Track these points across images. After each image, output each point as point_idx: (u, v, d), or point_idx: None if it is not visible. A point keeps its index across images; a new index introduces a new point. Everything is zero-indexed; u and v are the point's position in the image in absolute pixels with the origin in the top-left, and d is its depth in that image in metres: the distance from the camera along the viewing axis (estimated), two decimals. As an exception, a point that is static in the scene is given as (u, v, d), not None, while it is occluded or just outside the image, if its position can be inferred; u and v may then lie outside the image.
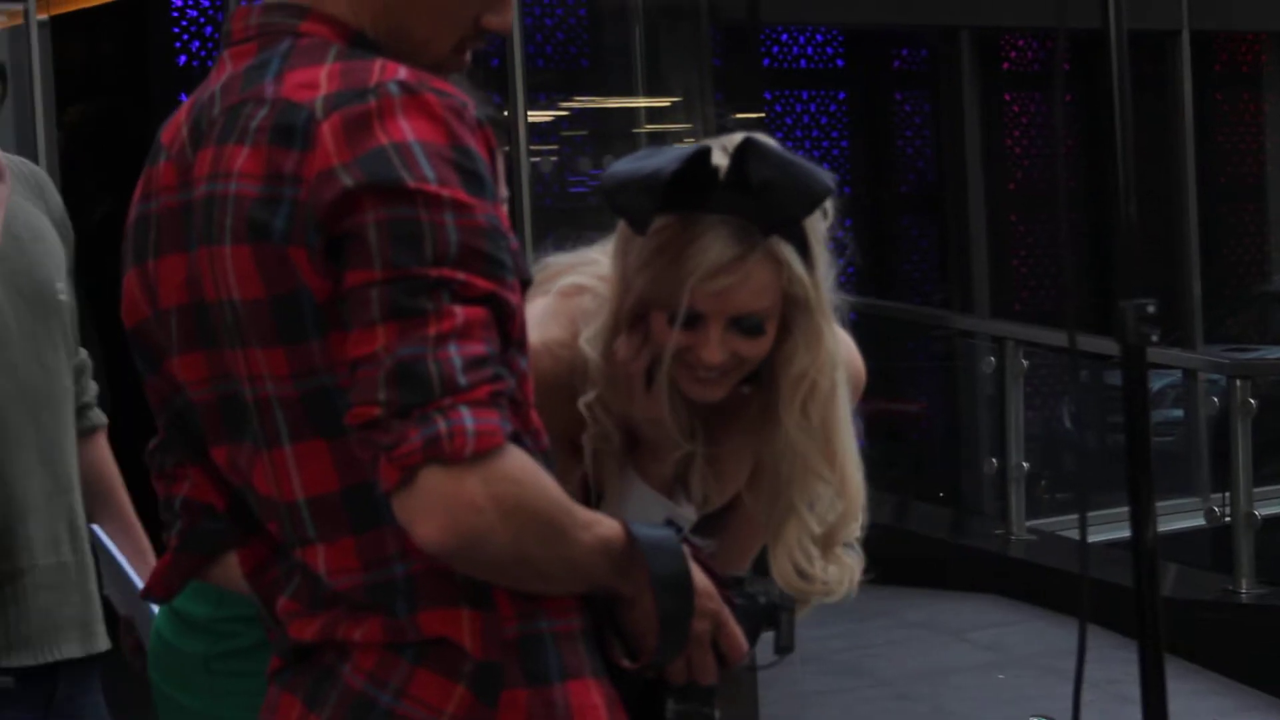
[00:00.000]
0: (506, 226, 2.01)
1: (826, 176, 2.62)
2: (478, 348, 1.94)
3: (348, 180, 1.94)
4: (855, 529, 2.76)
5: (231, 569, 2.27)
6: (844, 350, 2.80)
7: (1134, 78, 2.83)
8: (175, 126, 2.16)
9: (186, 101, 2.18)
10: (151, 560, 3.10)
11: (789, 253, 2.63)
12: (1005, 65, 12.59)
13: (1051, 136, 12.18)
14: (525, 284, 2.04)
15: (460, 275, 1.94)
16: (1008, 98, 12.52)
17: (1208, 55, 12.77)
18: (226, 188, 2.03)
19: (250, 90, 2.06)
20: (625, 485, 2.77)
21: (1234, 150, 13.32)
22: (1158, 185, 11.78)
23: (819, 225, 2.70)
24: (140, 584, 2.97)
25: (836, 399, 2.74)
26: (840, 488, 2.75)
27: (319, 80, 2.02)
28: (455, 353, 1.92)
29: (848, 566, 2.78)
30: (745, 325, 2.65)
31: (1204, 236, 12.37)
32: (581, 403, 2.73)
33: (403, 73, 2.00)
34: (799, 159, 2.64)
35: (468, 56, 2.20)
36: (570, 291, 2.78)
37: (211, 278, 2.05)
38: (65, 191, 7.58)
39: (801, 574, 2.77)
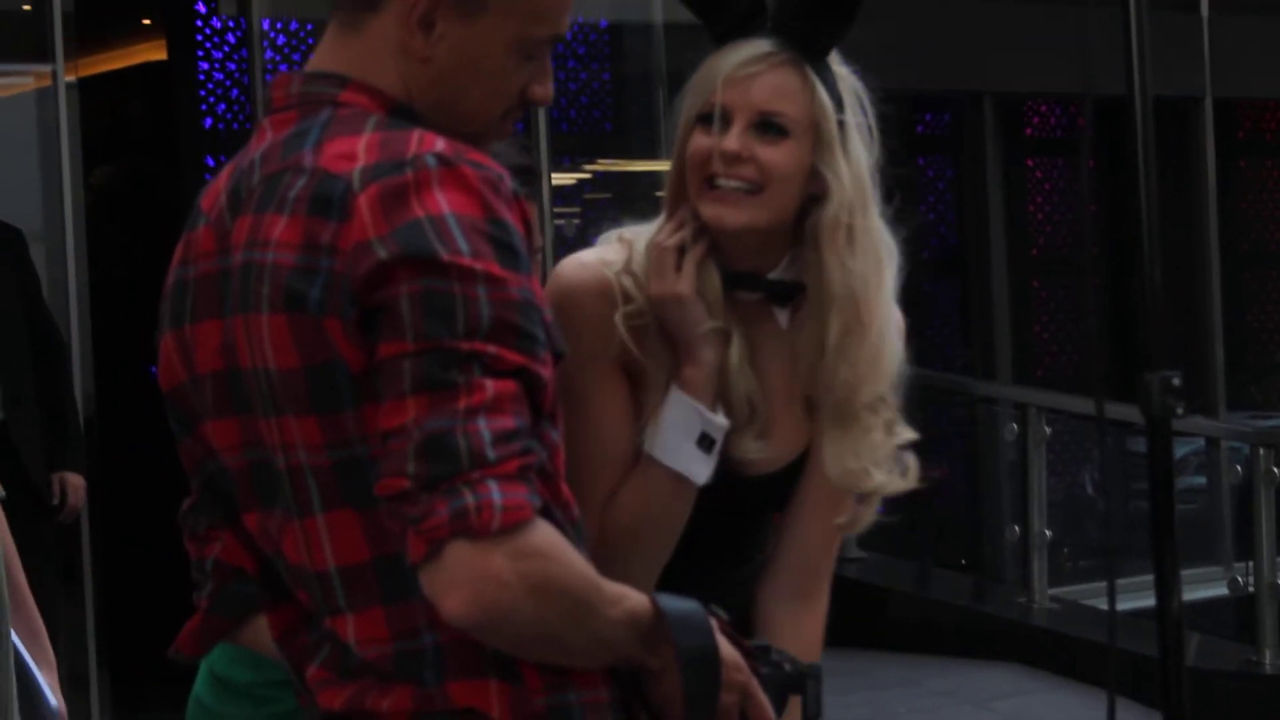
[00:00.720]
0: (540, 299, 2.00)
1: None
2: (507, 421, 1.93)
3: (383, 253, 1.94)
4: (882, 390, 2.73)
5: (261, 632, 2.27)
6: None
7: (1157, 144, 2.81)
8: (215, 193, 2.16)
9: (226, 167, 2.19)
10: (45, 643, 3.09)
11: (815, 79, 2.68)
12: (1028, 131, 12.59)
13: (1077, 203, 12.16)
14: (558, 356, 2.03)
15: (491, 349, 1.93)
16: (1030, 163, 12.52)
17: (1230, 122, 12.77)
18: (264, 256, 2.03)
19: (289, 159, 2.06)
20: (665, 399, 2.73)
21: (1256, 217, 13.30)
22: (1181, 251, 11.76)
23: (856, 98, 2.74)
24: (54, 702, 2.97)
25: (878, 246, 2.72)
26: (875, 353, 2.72)
27: (357, 151, 2.02)
28: (484, 426, 1.91)
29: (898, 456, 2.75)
30: (767, 126, 2.66)
31: (1227, 303, 12.34)
32: (619, 314, 2.71)
33: (440, 145, 1.99)
34: None
35: (510, 125, 2.21)
36: (626, 236, 2.82)
37: (247, 345, 2.05)
38: (91, 251, 7.62)
39: (856, 457, 2.73)
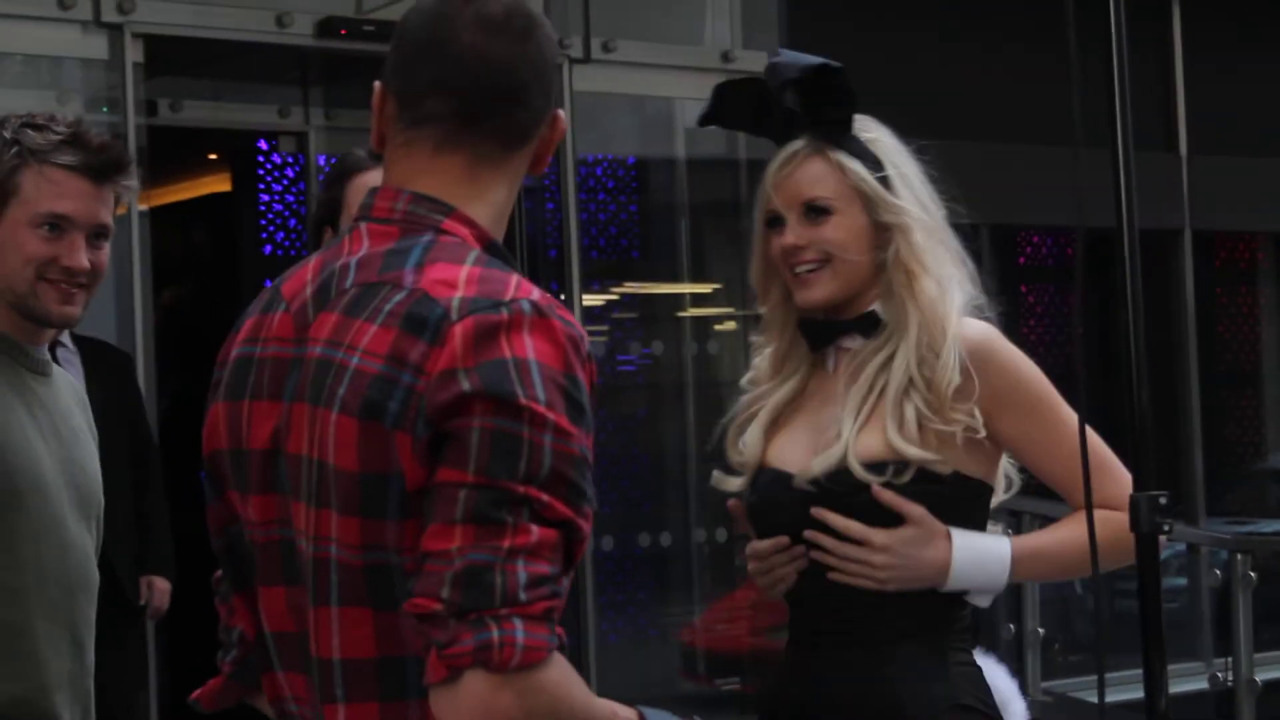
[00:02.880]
0: (591, 459, 2.00)
1: (829, 60, 2.86)
2: (543, 568, 1.92)
3: (466, 385, 1.93)
4: (954, 379, 2.87)
5: None
6: (962, 319, 2.88)
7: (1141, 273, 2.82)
8: (299, 283, 2.14)
9: (314, 260, 2.17)
10: None
11: (841, 155, 2.86)
12: (1021, 260, 12.61)
13: (1070, 329, 12.16)
14: (594, 513, 2.03)
15: (545, 497, 1.92)
16: (1024, 289, 12.52)
17: (1208, 253, 12.78)
18: (348, 359, 2.01)
19: (390, 273, 2.05)
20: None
21: (1233, 340, 13.28)
22: (1163, 371, 11.75)
23: (897, 153, 2.92)
24: None
25: (945, 273, 2.95)
26: (944, 351, 2.89)
27: (458, 280, 2.00)
28: (522, 568, 1.90)
29: (972, 412, 2.90)
30: (811, 210, 2.84)
31: (1205, 419, 12.30)
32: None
33: (536, 294, 2.00)
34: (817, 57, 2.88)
35: None
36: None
37: (308, 434, 2.03)
38: (159, 366, 7.61)
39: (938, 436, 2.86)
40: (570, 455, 1.94)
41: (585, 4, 8.59)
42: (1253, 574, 7.96)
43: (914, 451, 2.87)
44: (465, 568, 1.89)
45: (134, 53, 7.44)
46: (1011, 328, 11.53)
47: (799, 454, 2.95)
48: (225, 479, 2.16)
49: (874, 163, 2.97)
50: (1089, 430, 2.87)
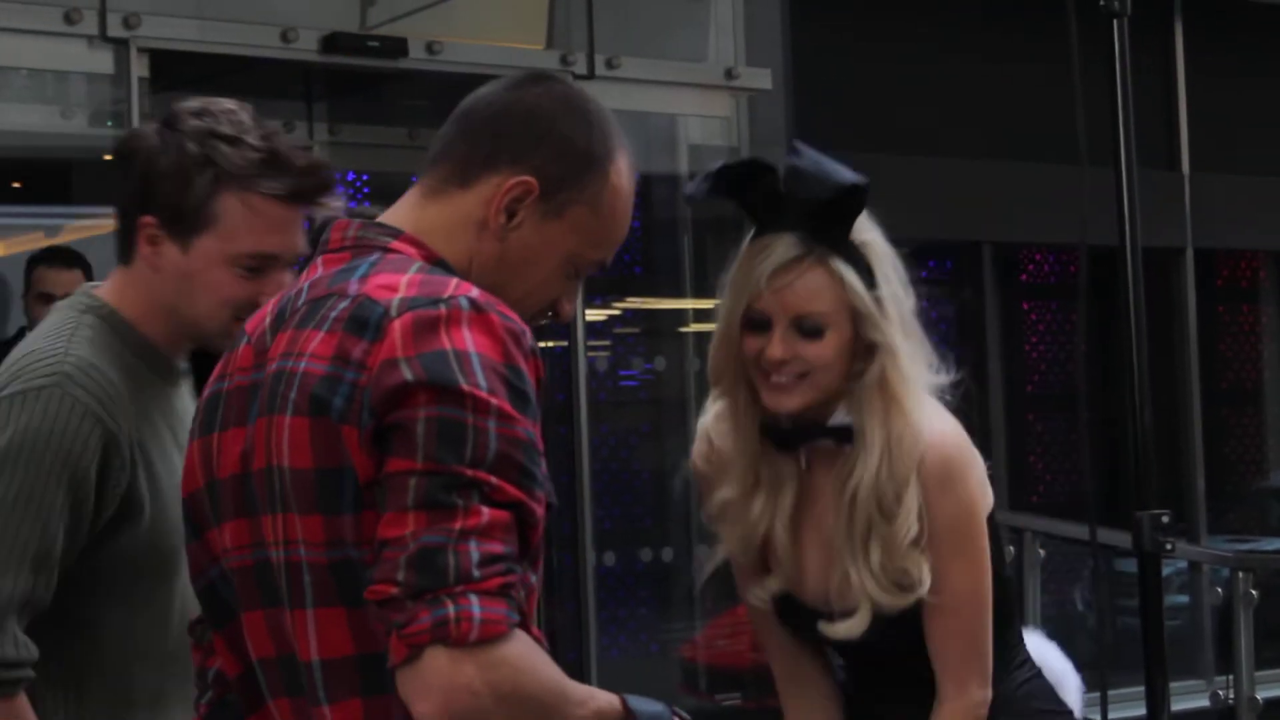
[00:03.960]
0: (541, 446, 2.01)
1: (857, 176, 2.75)
2: (495, 546, 1.94)
3: (408, 374, 1.97)
4: (912, 531, 2.75)
5: None
6: (931, 426, 2.82)
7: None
8: (260, 318, 2.21)
9: (274, 298, 2.22)
10: None
11: (843, 266, 2.75)
12: (1024, 277, 12.61)
13: (1074, 345, 12.17)
14: (550, 506, 2.04)
15: (493, 479, 1.95)
16: (1025, 306, 12.53)
17: (1210, 271, 12.78)
18: (297, 365, 2.06)
19: (336, 286, 2.11)
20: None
21: (1234, 358, 13.28)
22: (1165, 389, 11.74)
23: (888, 262, 2.81)
24: None
25: (911, 406, 2.77)
26: (905, 496, 2.76)
27: (399, 285, 2.06)
28: (474, 548, 1.93)
29: (924, 566, 2.79)
30: (804, 326, 2.76)
31: (1207, 436, 12.30)
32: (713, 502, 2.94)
33: (475, 292, 2.04)
34: (836, 163, 2.78)
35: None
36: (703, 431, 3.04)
37: (265, 445, 2.07)
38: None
39: (898, 585, 2.77)
40: (516, 439, 1.97)
41: (589, 21, 8.60)
42: (1254, 592, 7.96)
43: (910, 599, 2.83)
44: (419, 550, 1.92)
45: (139, 67, 7.45)
46: (1013, 345, 11.53)
47: (816, 579, 2.92)
48: (204, 519, 2.19)
49: (866, 271, 2.84)
50: (984, 605, 2.87)
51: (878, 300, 2.82)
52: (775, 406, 2.83)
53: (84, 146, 7.82)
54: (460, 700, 1.90)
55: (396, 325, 2.01)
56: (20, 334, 6.33)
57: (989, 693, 2.90)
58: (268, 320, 2.17)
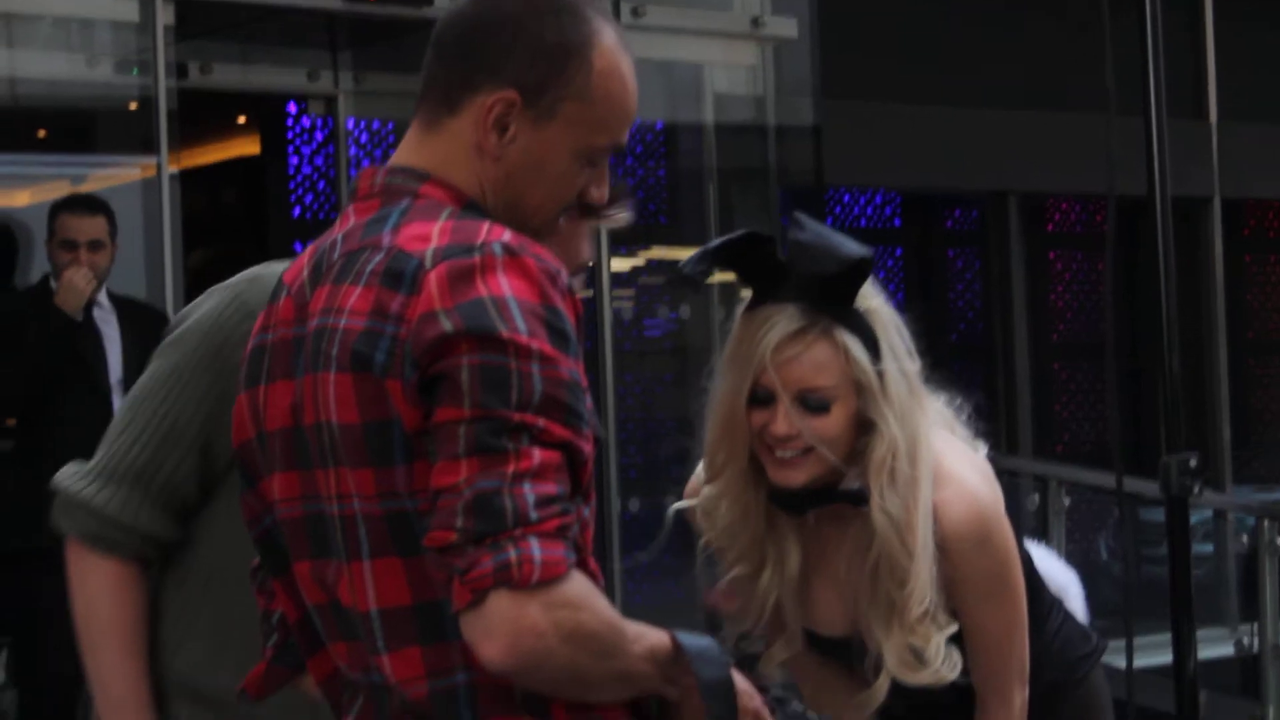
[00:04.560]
0: (585, 385, 2.02)
1: (864, 248, 2.67)
2: (549, 488, 1.95)
3: (447, 325, 1.96)
4: (921, 608, 2.74)
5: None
6: (952, 490, 2.77)
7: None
8: (298, 268, 2.20)
9: (310, 247, 2.23)
10: None
11: (848, 337, 2.67)
12: (1050, 227, 12.58)
13: (1102, 293, 12.14)
14: (598, 440, 2.04)
15: (540, 421, 1.95)
16: (1052, 256, 12.50)
17: (1237, 221, 12.74)
18: (337, 322, 2.06)
19: (369, 239, 2.10)
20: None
21: (1261, 308, 13.25)
22: (1192, 339, 11.72)
23: (893, 329, 2.73)
24: None
25: (916, 489, 2.73)
26: (912, 570, 2.73)
27: (431, 234, 2.05)
28: (529, 490, 1.93)
29: (935, 646, 2.76)
30: (810, 402, 2.69)
31: (1233, 386, 12.28)
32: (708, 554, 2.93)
33: (507, 236, 2.03)
34: (839, 234, 2.69)
35: (562, 222, 2.23)
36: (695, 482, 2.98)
37: (313, 401, 2.07)
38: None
39: (918, 657, 2.75)
40: (560, 379, 1.98)
41: (615, -31, 8.58)
42: (1279, 540, 7.96)
43: (928, 677, 2.80)
44: (475, 496, 1.93)
45: (164, 15, 7.44)
46: (1039, 295, 11.50)
47: (832, 615, 2.91)
48: (256, 469, 2.20)
49: (871, 341, 2.73)
50: (1023, 628, 2.87)
51: (881, 375, 2.72)
52: (783, 482, 2.77)
53: (109, 95, 7.82)
54: (526, 641, 1.91)
55: (432, 277, 2.01)
56: (45, 281, 6.34)
57: (1027, 689, 2.91)
58: (305, 273, 2.17)
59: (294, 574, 2.17)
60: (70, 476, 2.69)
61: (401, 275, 2.03)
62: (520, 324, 1.97)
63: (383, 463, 2.02)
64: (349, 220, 2.18)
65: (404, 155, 2.21)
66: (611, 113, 2.20)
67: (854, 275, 2.70)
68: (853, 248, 2.69)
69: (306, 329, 2.11)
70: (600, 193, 2.23)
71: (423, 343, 1.98)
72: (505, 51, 2.14)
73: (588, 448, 2.01)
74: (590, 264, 2.76)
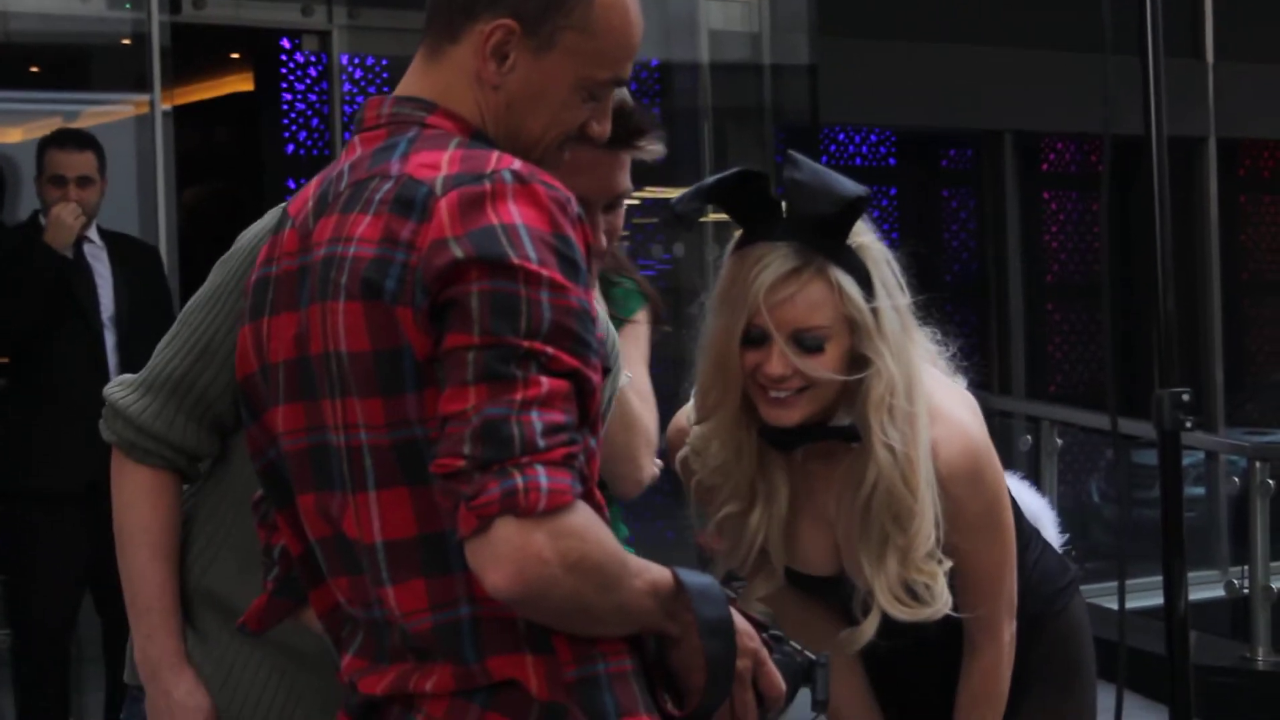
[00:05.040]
0: (595, 313, 2.00)
1: (860, 187, 2.65)
2: (557, 416, 1.94)
3: (458, 251, 1.96)
4: (928, 545, 2.74)
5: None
6: (946, 426, 2.77)
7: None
8: (302, 200, 2.19)
9: (315, 178, 2.22)
10: None
11: (842, 275, 2.66)
12: (1044, 167, 12.56)
13: (1096, 233, 12.13)
14: (606, 371, 2.03)
15: (549, 349, 1.95)
16: (1046, 196, 12.49)
17: (1232, 161, 12.73)
18: (346, 250, 2.05)
19: (377, 167, 2.09)
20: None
21: (1255, 248, 13.25)
22: (1184, 280, 11.72)
23: (884, 264, 2.72)
24: None
25: (915, 425, 2.72)
26: (917, 509, 2.73)
27: (441, 162, 2.04)
28: (537, 418, 1.93)
29: (941, 583, 2.77)
30: (805, 341, 2.67)
31: (1226, 327, 12.29)
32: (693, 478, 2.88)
33: (517, 164, 2.02)
34: (834, 173, 2.67)
35: (565, 154, 2.22)
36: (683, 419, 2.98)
37: (321, 330, 2.06)
38: (181, 264, 7.60)
39: (912, 595, 2.75)
40: (569, 308, 1.97)
41: (609, -95, 8.52)
42: (1270, 482, 7.97)
43: (925, 613, 2.79)
44: (483, 423, 1.92)
45: (157, -50, 7.41)
46: (1033, 235, 11.47)
47: (818, 554, 2.90)
48: (260, 402, 2.20)
49: (864, 278, 2.71)
50: (1012, 564, 2.87)
51: (875, 312, 2.70)
52: (776, 421, 2.74)
53: (102, 31, 7.78)
54: (531, 569, 1.91)
55: (443, 204, 1.99)
56: (34, 218, 6.32)
57: (1015, 623, 2.91)
58: (310, 204, 2.16)
59: (297, 507, 2.17)
60: (116, 385, 2.76)
61: (412, 202, 2.02)
62: (531, 251, 1.96)
63: (393, 391, 2.01)
64: (355, 150, 2.16)
65: (409, 84, 2.20)
66: (613, 45, 2.18)
67: (849, 214, 2.68)
68: (849, 186, 2.67)
69: (312, 259, 2.10)
70: (602, 127, 2.22)
71: (433, 269, 1.97)
72: None
73: (596, 377, 2.00)
74: (628, 194, 2.74)
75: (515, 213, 1.98)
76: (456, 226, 1.97)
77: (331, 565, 2.14)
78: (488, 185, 2.00)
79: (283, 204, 2.70)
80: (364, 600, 2.10)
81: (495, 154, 2.05)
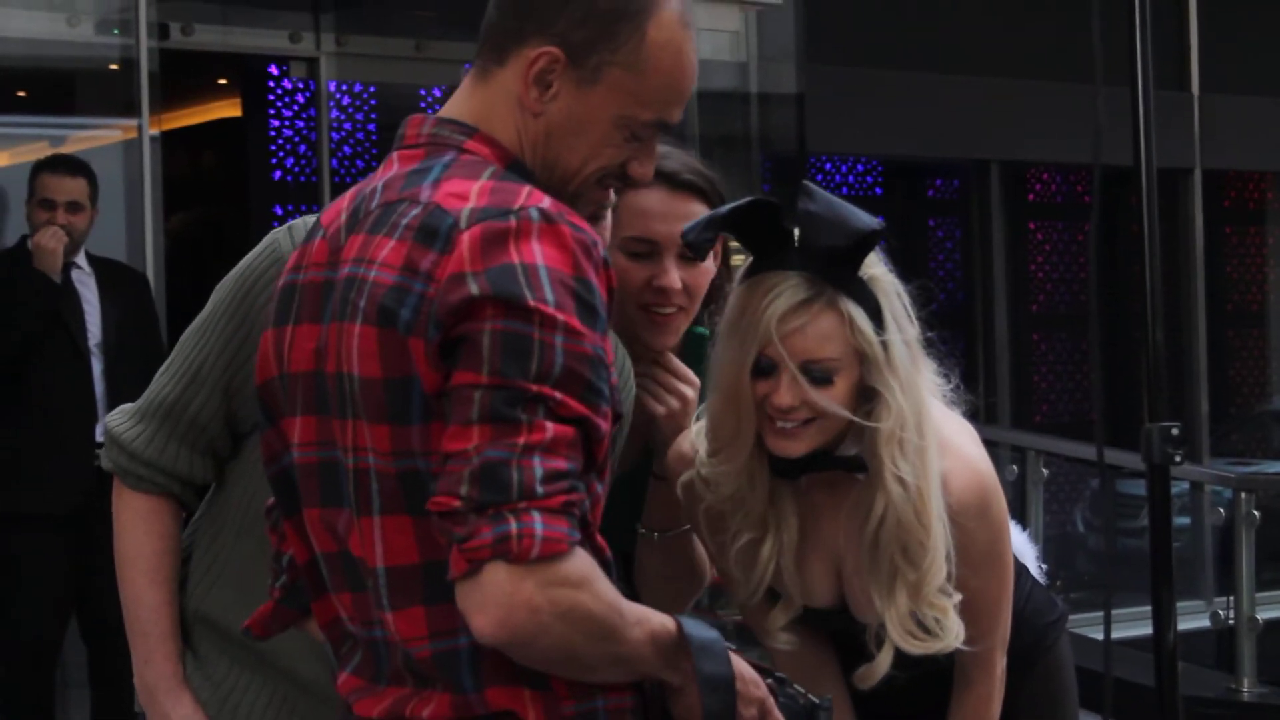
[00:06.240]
0: (610, 359, 1.99)
1: (873, 219, 2.63)
2: (559, 463, 1.92)
3: (474, 288, 1.94)
4: (940, 579, 2.73)
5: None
6: (955, 459, 2.76)
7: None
8: (336, 211, 2.18)
9: (350, 191, 2.20)
10: None
11: (853, 307, 2.64)
12: (1030, 197, 12.59)
13: (1082, 263, 12.15)
14: (618, 417, 2.02)
15: (558, 394, 1.93)
16: (1032, 226, 12.51)
17: (1217, 192, 12.76)
18: (367, 273, 2.04)
19: (409, 191, 2.07)
20: None
21: (1240, 280, 13.27)
22: (1170, 310, 11.74)
23: (895, 297, 2.71)
24: None
25: (926, 458, 2.71)
26: (929, 544, 2.72)
27: (470, 193, 2.02)
28: (538, 464, 1.91)
29: (952, 617, 2.75)
30: (814, 373, 2.65)
31: (1211, 358, 12.31)
32: (699, 509, 2.82)
33: (546, 202, 1.99)
34: (848, 205, 2.65)
35: (611, 194, 2.20)
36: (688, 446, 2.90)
37: (336, 350, 2.05)
38: (167, 290, 7.60)
39: (923, 629, 2.74)
40: (583, 354, 1.95)
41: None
42: (1256, 513, 7.98)
43: (935, 647, 2.78)
44: (483, 465, 1.91)
45: (146, -24, 7.41)
46: (1019, 265, 11.47)
47: (823, 586, 2.90)
48: (277, 408, 2.19)
49: (874, 310, 2.69)
50: (1009, 597, 2.87)
51: (885, 345, 2.70)
52: (781, 452, 2.72)
53: (90, 56, 7.78)
54: (518, 616, 1.89)
55: (465, 238, 1.97)
56: (22, 242, 6.31)
57: (1006, 658, 2.91)
58: (343, 217, 2.15)
59: (304, 517, 2.16)
60: (116, 414, 2.78)
61: (436, 232, 2.00)
62: (548, 293, 1.94)
63: (401, 420, 2.00)
64: (392, 167, 2.15)
65: (454, 105, 2.19)
66: (660, 87, 2.16)
67: (863, 246, 2.68)
68: (864, 219, 2.65)
69: (338, 275, 2.09)
70: (644, 169, 2.19)
71: (448, 304, 1.95)
72: (559, 7, 2.11)
73: (605, 425, 1.97)
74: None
75: (538, 252, 1.96)
76: (477, 262, 1.95)
77: (335, 580, 2.14)
78: (513, 222, 1.97)
79: (278, 229, 2.71)
80: (365, 619, 2.10)
81: (526, 189, 2.02)
